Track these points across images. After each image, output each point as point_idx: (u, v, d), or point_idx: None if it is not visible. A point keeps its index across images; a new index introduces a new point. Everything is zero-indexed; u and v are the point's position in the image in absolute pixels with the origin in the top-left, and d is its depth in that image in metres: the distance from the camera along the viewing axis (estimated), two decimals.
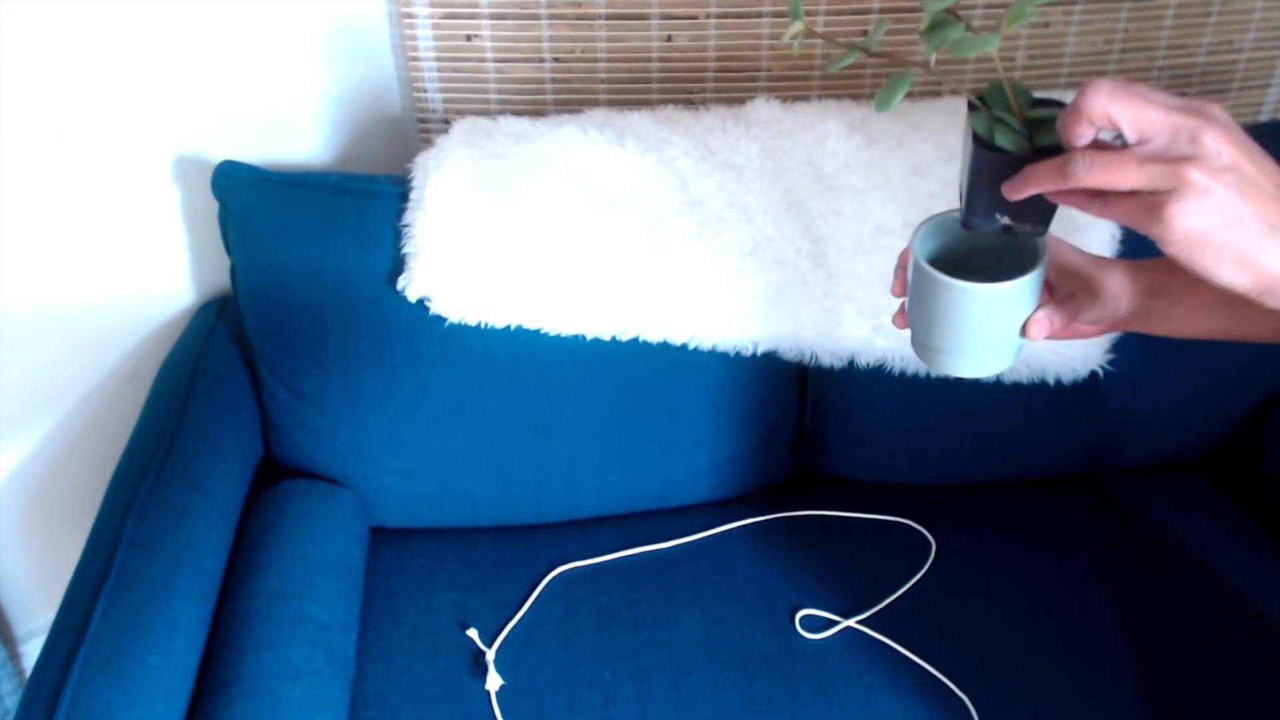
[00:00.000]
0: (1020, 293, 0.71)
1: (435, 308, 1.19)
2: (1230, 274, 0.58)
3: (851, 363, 1.26)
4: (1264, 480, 1.33)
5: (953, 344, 0.74)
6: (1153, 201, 0.57)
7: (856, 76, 1.39)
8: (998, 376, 1.25)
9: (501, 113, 1.30)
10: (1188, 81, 1.45)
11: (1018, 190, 0.64)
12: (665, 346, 1.23)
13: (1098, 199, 0.61)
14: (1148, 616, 1.18)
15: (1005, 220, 0.69)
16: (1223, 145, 0.57)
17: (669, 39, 1.34)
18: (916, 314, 0.76)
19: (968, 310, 0.72)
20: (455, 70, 1.36)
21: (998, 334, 0.73)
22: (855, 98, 1.35)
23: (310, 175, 1.23)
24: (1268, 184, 0.58)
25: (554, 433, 1.25)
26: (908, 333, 0.79)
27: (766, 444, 1.32)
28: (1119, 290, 0.75)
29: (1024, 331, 0.74)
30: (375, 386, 1.22)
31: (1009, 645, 1.16)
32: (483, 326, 1.20)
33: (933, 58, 0.65)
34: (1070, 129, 0.60)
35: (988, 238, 0.72)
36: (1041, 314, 0.73)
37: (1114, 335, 1.25)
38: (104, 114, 1.23)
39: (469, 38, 1.33)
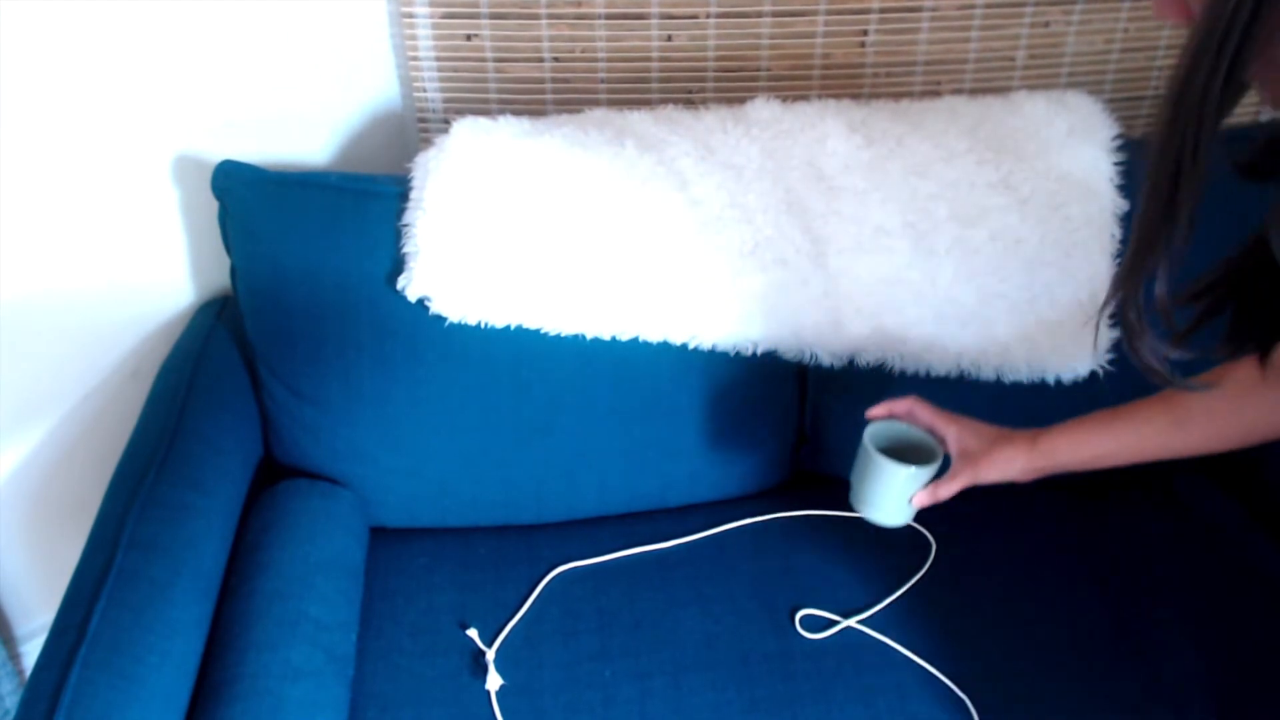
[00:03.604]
0: (909, 475, 1.04)
1: (435, 308, 1.19)
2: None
3: (851, 363, 1.26)
4: (1264, 480, 1.33)
5: (865, 497, 1.08)
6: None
7: (856, 76, 1.39)
8: (997, 376, 1.25)
9: (501, 112, 1.29)
10: None
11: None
12: (665, 346, 1.23)
13: None
14: (1146, 616, 1.18)
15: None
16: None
17: (669, 39, 1.34)
18: (854, 473, 1.10)
19: (876, 476, 1.06)
20: (455, 70, 1.36)
21: (895, 497, 1.06)
22: (855, 97, 1.35)
23: (310, 175, 1.23)
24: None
25: (554, 433, 1.25)
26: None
27: (766, 444, 1.32)
28: (1007, 465, 1.04)
29: (912, 500, 1.06)
30: (375, 386, 1.22)
31: (1009, 645, 1.16)
32: (483, 326, 1.20)
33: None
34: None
35: (918, 439, 1.09)
36: (924, 493, 1.05)
37: (1115, 335, 1.25)
38: (104, 113, 1.23)
39: (469, 37, 1.34)
